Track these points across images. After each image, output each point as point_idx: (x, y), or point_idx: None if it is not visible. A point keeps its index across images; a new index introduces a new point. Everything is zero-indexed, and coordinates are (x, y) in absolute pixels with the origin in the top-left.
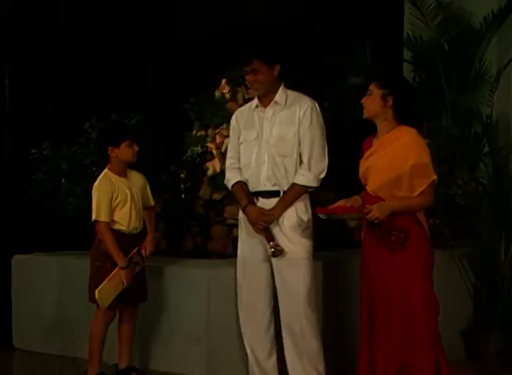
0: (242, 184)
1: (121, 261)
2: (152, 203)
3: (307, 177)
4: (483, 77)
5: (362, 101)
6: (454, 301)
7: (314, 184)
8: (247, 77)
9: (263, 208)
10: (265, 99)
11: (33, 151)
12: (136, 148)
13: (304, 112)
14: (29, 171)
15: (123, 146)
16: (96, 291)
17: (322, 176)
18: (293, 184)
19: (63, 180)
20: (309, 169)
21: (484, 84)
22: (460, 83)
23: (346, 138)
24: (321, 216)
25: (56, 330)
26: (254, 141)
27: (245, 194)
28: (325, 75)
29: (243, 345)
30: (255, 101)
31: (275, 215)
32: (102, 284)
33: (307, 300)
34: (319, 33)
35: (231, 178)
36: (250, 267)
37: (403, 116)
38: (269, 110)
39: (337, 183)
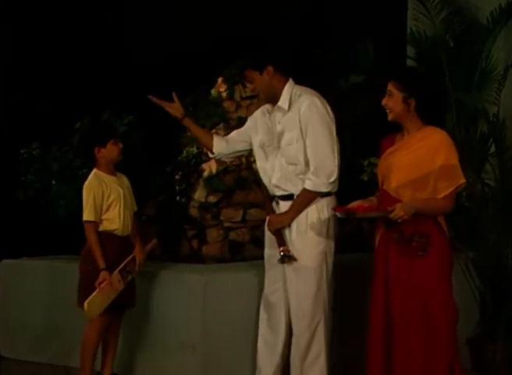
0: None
1: (101, 263)
2: (136, 209)
3: (314, 183)
4: (490, 75)
5: (383, 103)
6: (459, 308)
7: (324, 189)
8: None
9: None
10: (275, 102)
11: (22, 151)
12: (120, 145)
13: (304, 113)
14: (18, 172)
15: (109, 145)
16: (85, 303)
17: (333, 179)
18: (303, 189)
19: (53, 182)
20: (317, 175)
21: (490, 82)
22: (466, 81)
23: (346, 137)
24: (340, 215)
25: (47, 338)
26: (271, 147)
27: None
28: (325, 73)
29: (241, 353)
30: (271, 105)
31: (284, 221)
32: (92, 296)
33: (313, 310)
34: (320, 30)
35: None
36: (270, 265)
37: (427, 117)
38: (277, 115)
39: (339, 184)
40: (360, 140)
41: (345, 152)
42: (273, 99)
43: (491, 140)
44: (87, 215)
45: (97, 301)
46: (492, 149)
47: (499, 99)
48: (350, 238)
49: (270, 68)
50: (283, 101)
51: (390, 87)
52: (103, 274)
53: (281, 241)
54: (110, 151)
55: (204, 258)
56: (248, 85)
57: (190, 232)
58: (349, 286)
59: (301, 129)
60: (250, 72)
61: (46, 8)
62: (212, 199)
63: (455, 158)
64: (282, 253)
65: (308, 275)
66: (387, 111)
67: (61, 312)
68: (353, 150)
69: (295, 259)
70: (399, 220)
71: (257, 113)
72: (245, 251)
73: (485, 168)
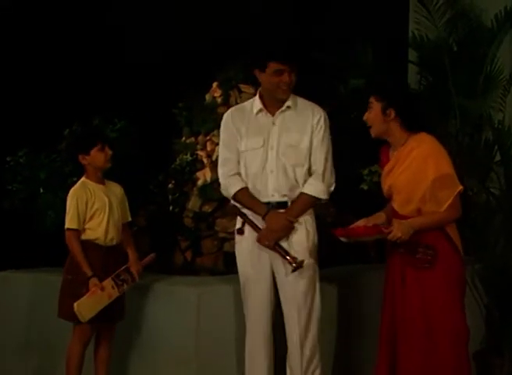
0: (249, 191)
1: (88, 270)
2: (129, 219)
3: (319, 188)
4: (495, 80)
5: (365, 117)
6: None
7: (325, 196)
8: (285, 78)
9: (286, 214)
10: (273, 103)
11: (8, 158)
12: (109, 151)
13: (318, 121)
14: (3, 180)
15: (94, 152)
16: (75, 305)
17: (332, 189)
18: (302, 194)
19: (41, 191)
20: (322, 181)
21: (495, 87)
22: (470, 86)
23: (346, 145)
24: (343, 239)
25: (32, 352)
26: (261, 149)
27: (258, 200)
28: (324, 77)
29: (236, 367)
30: (257, 105)
31: (285, 228)
32: (82, 299)
33: (312, 319)
34: (319, 32)
35: (233, 184)
36: (253, 284)
37: (411, 125)
38: (278, 115)
39: (338, 194)
40: (360, 148)
41: (344, 161)
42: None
43: (496, 147)
44: (69, 222)
45: (87, 304)
46: (498, 157)
47: (505, 105)
48: (349, 250)
49: None
50: (293, 103)
51: (371, 99)
52: (92, 281)
53: (284, 252)
54: (95, 159)
55: (198, 270)
56: (244, 90)
57: (184, 243)
58: (348, 298)
59: (312, 134)
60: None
61: (34, 10)
62: (207, 209)
63: (447, 166)
64: (293, 263)
65: (309, 281)
66: (369, 127)
67: (47, 325)
68: (353, 158)
69: (302, 264)
70: (398, 241)
71: (233, 118)
72: None
73: (489, 177)
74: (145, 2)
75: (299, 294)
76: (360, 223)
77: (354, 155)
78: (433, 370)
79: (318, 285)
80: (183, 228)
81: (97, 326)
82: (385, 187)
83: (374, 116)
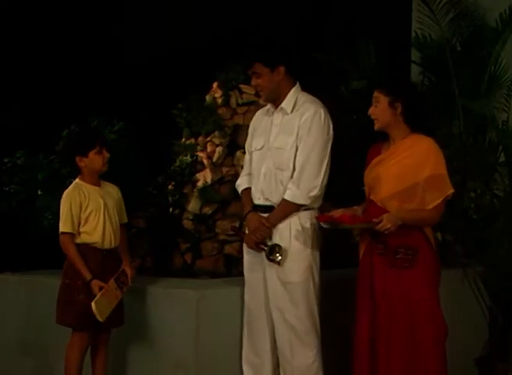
0: (250, 192)
1: (87, 274)
2: (126, 220)
3: (294, 193)
4: (499, 80)
5: (370, 112)
6: (467, 326)
7: (303, 202)
8: (251, 81)
9: (264, 218)
10: (276, 103)
11: (5, 160)
12: (106, 154)
13: (305, 121)
14: (1, 182)
15: (92, 154)
16: (92, 303)
17: (314, 193)
18: (282, 199)
19: (39, 192)
20: (298, 186)
21: (499, 88)
22: (474, 87)
23: (346, 146)
24: (324, 225)
25: (29, 355)
26: (260, 150)
27: (250, 202)
28: (325, 77)
29: (236, 372)
30: (269, 105)
31: (265, 230)
32: (97, 297)
33: (301, 329)
34: (320, 31)
35: (240, 184)
36: (251, 288)
37: (415, 122)
38: (277, 116)
39: (335, 193)
40: (362, 149)
41: (345, 163)
42: (274, 100)
43: (500, 148)
44: (63, 226)
45: (103, 302)
46: (502, 158)
47: (509, 106)
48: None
49: (282, 68)
50: (287, 104)
51: (376, 94)
52: (95, 283)
53: (263, 245)
54: (92, 161)
55: (198, 273)
56: (245, 90)
57: (184, 245)
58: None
59: (297, 135)
60: (260, 66)
61: (32, 11)
62: (207, 211)
63: (442, 167)
64: (265, 247)
65: (295, 291)
66: (374, 120)
67: (44, 328)
68: (354, 160)
69: (281, 250)
70: (386, 232)
71: (256, 118)
72: (241, 265)
73: (494, 178)
74: (145, 3)
75: (285, 300)
76: (339, 212)
77: (356, 156)
78: (418, 365)
79: (312, 291)
80: (182, 230)
81: (94, 333)
82: (369, 177)
83: (381, 110)
